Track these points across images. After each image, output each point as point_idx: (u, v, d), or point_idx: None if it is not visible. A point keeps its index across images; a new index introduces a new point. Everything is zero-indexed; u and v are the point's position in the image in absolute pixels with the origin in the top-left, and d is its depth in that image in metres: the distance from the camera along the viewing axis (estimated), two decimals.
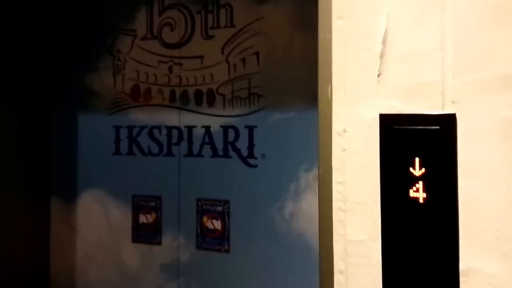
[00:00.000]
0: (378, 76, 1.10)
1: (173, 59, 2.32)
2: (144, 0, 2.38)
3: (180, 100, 2.29)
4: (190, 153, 2.25)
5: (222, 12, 2.19)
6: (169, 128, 2.32)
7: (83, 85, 2.48)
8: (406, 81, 1.08)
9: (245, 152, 2.14)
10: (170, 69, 2.33)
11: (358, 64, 1.13)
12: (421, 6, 1.06)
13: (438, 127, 1.03)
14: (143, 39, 2.39)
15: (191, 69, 2.26)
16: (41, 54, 2.48)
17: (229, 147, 2.16)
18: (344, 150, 1.13)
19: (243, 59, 2.14)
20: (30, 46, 2.41)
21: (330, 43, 1.16)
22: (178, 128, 2.29)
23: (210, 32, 2.22)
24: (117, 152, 2.42)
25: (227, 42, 2.17)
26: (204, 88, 2.23)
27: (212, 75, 2.21)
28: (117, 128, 2.43)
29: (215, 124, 2.20)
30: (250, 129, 2.12)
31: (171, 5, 2.32)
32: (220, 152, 2.19)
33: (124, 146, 2.41)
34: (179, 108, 2.30)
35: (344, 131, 1.13)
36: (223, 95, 2.18)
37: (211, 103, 2.21)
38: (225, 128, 2.18)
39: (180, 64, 2.30)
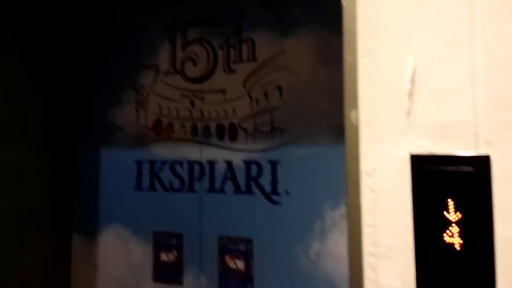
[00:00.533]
0: (407, 114, 1.07)
1: (195, 93, 2.31)
2: (168, 35, 2.39)
3: (202, 134, 2.27)
4: (212, 189, 2.22)
5: (244, 46, 2.19)
6: (191, 163, 2.29)
7: (106, 119, 2.50)
8: (437, 120, 1.04)
9: (268, 188, 2.09)
10: (192, 104, 2.32)
11: (386, 102, 1.09)
12: (449, 44, 1.03)
13: (471, 169, 0.99)
14: (166, 73, 2.39)
15: (213, 103, 2.25)
16: (65, 89, 2.50)
17: (252, 183, 2.13)
18: (373, 191, 1.09)
19: (266, 93, 2.12)
20: (54, 81, 2.43)
21: (356, 80, 1.13)
22: (199, 163, 2.27)
23: (232, 66, 2.22)
24: (139, 187, 2.41)
25: (249, 76, 2.17)
26: (226, 122, 2.21)
27: (234, 109, 2.20)
28: (139, 163, 2.42)
29: (238, 158, 2.17)
30: (273, 164, 2.09)
31: (194, 40, 2.33)
32: (243, 188, 2.15)
33: (145, 181, 2.40)
34: (201, 143, 2.28)
35: (373, 170, 1.09)
36: (246, 129, 2.16)
37: (233, 138, 2.19)
38: (248, 163, 2.15)
39: (202, 99, 2.29)
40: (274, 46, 2.10)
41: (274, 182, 2.08)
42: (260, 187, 2.11)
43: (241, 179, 2.15)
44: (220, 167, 2.21)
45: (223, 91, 2.22)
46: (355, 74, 1.12)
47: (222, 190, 2.19)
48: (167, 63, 2.40)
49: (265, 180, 2.10)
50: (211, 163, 2.23)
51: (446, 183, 1.00)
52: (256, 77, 2.14)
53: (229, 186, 2.18)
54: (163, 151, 2.37)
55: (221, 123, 2.22)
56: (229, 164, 2.19)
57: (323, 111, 1.96)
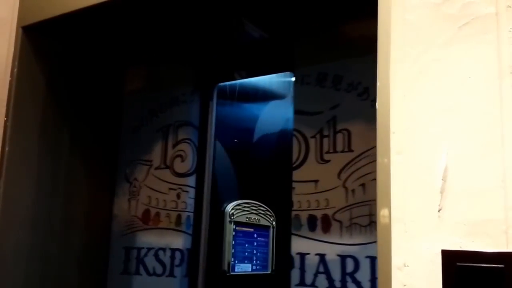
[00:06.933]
0: (438, 211, 1.10)
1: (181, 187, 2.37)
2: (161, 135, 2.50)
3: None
4: None
5: (339, 136, 2.05)
6: (173, 250, 2.34)
7: None
8: (468, 218, 1.07)
9: (367, 286, 1.88)
10: (178, 196, 2.38)
11: (418, 198, 1.13)
12: (481, 144, 1.08)
13: (502, 266, 1.01)
14: (156, 168, 2.47)
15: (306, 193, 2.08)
16: None
17: (348, 278, 1.92)
18: (404, 285, 1.10)
19: (363, 185, 1.96)
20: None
21: (389, 178, 1.17)
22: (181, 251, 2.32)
23: (326, 157, 2.06)
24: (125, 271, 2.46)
25: (344, 167, 2.01)
26: (318, 214, 2.03)
27: (327, 200, 2.02)
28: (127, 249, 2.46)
29: (331, 252, 1.99)
30: (372, 260, 1.88)
31: (183, 139, 2.42)
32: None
33: (132, 266, 2.44)
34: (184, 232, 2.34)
35: (405, 265, 1.11)
36: (340, 222, 1.98)
37: (326, 230, 2.01)
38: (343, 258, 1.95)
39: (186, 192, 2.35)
40: (372, 137, 1.86)
41: (374, 279, 1.86)
42: (357, 284, 1.90)
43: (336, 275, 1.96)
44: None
45: (315, 181, 2.06)
46: (388, 172, 1.17)
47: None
48: (159, 159, 2.47)
49: (363, 277, 1.89)
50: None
51: (477, 280, 1.02)
52: (352, 168, 2.00)
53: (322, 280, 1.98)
54: (150, 239, 2.42)
55: (313, 214, 2.04)
56: (321, 257, 2.00)
57: None
